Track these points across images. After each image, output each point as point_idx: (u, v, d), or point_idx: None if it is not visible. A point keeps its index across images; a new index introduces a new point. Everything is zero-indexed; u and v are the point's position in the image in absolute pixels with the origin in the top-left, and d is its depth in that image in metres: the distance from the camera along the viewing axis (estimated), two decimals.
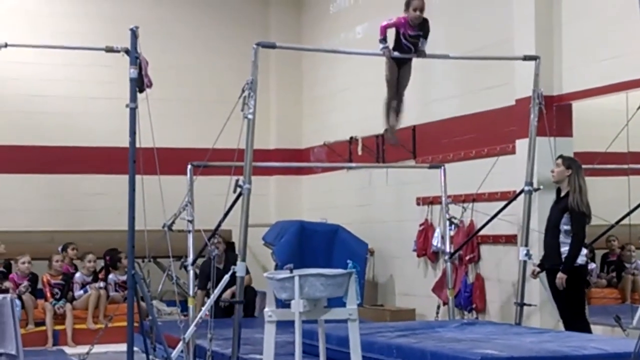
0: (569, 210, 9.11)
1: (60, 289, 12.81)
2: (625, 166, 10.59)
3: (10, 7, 14.73)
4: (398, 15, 9.28)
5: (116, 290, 13.16)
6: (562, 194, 9.32)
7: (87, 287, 12.93)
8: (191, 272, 10.24)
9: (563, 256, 9.13)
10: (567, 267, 9.06)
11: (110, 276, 13.27)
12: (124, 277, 12.58)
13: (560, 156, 9.54)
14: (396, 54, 9.30)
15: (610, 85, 9.69)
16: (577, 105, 10.48)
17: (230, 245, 13.38)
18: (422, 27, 9.27)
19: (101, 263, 13.52)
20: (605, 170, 10.59)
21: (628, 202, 10.14)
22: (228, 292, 11.21)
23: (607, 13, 9.76)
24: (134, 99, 8.49)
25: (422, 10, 9.18)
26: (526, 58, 10.07)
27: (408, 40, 9.25)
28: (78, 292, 12.88)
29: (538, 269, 9.64)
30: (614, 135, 9.27)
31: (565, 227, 9.16)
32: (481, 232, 11.02)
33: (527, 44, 10.39)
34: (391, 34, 9.36)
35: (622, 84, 9.47)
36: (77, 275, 13.04)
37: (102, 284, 13.01)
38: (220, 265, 11.75)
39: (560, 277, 9.05)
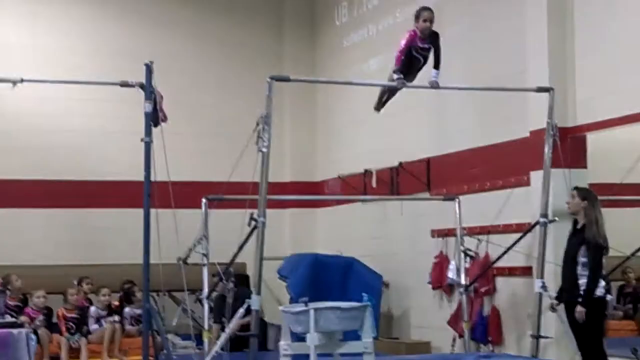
0: (586, 242, 9.07)
1: (76, 323, 12.79)
2: None
3: (26, 43, 14.82)
4: (407, 30, 9.37)
5: (131, 324, 13.13)
6: (579, 226, 9.28)
7: (102, 321, 12.90)
8: (206, 306, 10.24)
9: (581, 288, 9.08)
10: (586, 300, 9.01)
11: (126, 310, 13.24)
12: (139, 311, 12.56)
13: (576, 187, 9.51)
14: (409, 83, 9.37)
15: (625, 116, 9.67)
16: (591, 137, 10.46)
17: (244, 279, 13.36)
18: (432, 40, 9.40)
19: (116, 297, 13.50)
20: (620, 201, 10.57)
21: None
22: (236, 324, 11.13)
23: (620, 45, 9.76)
24: (148, 133, 8.54)
25: (432, 21, 9.43)
26: (540, 90, 10.08)
27: (419, 53, 9.43)
28: (93, 326, 12.85)
29: (556, 302, 9.57)
30: (629, 166, 9.25)
31: (582, 259, 9.11)
32: (496, 264, 10.98)
33: (541, 76, 10.40)
34: None
35: (636, 115, 9.45)
36: (92, 309, 13.02)
37: (117, 318, 12.98)
38: (230, 299, 11.73)
39: (580, 310, 8.99)
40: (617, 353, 9.74)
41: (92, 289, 13.46)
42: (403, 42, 9.44)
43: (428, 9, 9.51)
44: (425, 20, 9.38)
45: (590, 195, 9.33)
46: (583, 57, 10.29)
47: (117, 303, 13.32)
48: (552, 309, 9.66)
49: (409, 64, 9.49)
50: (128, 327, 13.09)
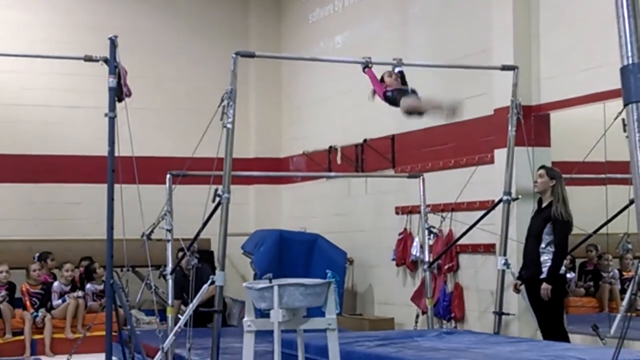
0: (553, 220, 9.13)
1: (39, 299, 12.76)
2: (603, 176, 10.64)
3: None
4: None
5: (94, 300, 13.11)
6: (544, 204, 9.35)
7: (66, 296, 12.86)
8: (170, 282, 10.22)
9: (543, 265, 9.16)
10: (551, 277, 9.08)
11: (88, 286, 13.23)
12: (102, 287, 12.54)
13: (543, 166, 9.57)
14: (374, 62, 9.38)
15: (588, 95, 9.74)
16: (555, 115, 10.53)
17: (208, 255, 13.35)
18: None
19: (78, 272, 13.46)
20: (583, 179, 10.63)
21: (606, 211, 10.18)
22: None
23: (585, 23, 9.81)
24: (112, 108, 8.48)
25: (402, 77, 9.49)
26: (504, 68, 10.11)
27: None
28: (56, 302, 12.81)
29: (519, 282, 9.63)
30: (592, 145, 9.30)
31: (547, 237, 9.18)
32: (460, 242, 11.04)
33: (506, 54, 10.44)
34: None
35: (599, 94, 9.51)
36: (56, 284, 12.98)
37: (80, 293, 12.95)
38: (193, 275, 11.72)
39: (545, 287, 9.06)
40: (578, 330, 9.84)
41: (56, 264, 13.41)
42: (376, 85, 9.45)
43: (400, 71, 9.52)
44: (396, 79, 9.46)
45: (557, 174, 9.39)
46: (547, 36, 10.34)
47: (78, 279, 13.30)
48: (516, 290, 9.72)
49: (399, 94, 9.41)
50: (90, 302, 13.07)
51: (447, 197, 11.37)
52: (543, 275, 9.14)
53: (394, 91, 9.36)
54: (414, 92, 9.35)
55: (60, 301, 12.82)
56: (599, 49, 9.47)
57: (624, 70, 3.10)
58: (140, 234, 9.83)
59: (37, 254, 13.39)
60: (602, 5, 8.71)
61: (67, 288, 13.00)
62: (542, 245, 9.21)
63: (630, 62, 3.07)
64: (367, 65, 9.39)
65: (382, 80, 9.48)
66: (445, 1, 11.95)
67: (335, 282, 7.54)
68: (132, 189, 8.46)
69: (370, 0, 13.61)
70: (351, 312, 13.35)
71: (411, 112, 9.37)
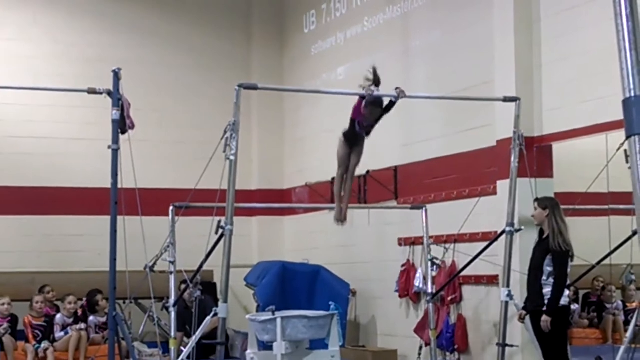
0: (551, 251, 9.12)
1: (42, 331, 12.73)
2: (606, 207, 10.65)
3: None
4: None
5: (97, 332, 13.08)
6: (544, 236, 9.34)
7: (68, 328, 12.84)
8: (173, 314, 10.20)
9: (545, 297, 9.14)
10: (551, 309, 9.06)
11: (91, 318, 13.20)
12: (105, 319, 12.52)
13: (536, 199, 9.57)
14: (376, 93, 9.16)
15: (590, 126, 9.75)
16: (557, 147, 10.54)
17: (210, 287, 13.33)
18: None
19: (81, 304, 13.43)
20: (586, 210, 10.63)
21: (609, 242, 10.17)
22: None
23: (587, 55, 9.84)
24: (116, 140, 8.52)
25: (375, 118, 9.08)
26: (507, 99, 10.13)
27: (362, 128, 9.14)
28: (59, 334, 12.79)
29: (524, 312, 9.60)
30: (595, 176, 9.32)
31: (548, 268, 9.16)
32: (463, 273, 11.02)
33: (508, 86, 10.47)
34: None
35: (602, 125, 9.53)
36: (58, 316, 12.96)
37: (82, 326, 12.92)
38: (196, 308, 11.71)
39: (545, 319, 9.03)
40: None
41: (56, 296, 13.39)
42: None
43: (379, 107, 9.04)
44: (370, 114, 9.00)
45: (551, 204, 9.36)
46: (549, 68, 10.37)
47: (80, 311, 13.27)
48: (521, 319, 9.68)
49: (353, 136, 9.25)
50: (93, 334, 13.04)
51: (450, 229, 11.36)
52: (545, 307, 9.13)
53: (351, 131, 9.20)
54: (365, 135, 9.19)
55: (62, 333, 12.79)
56: (600, 81, 9.50)
57: (626, 103, 3.11)
58: (143, 266, 9.84)
59: (39, 287, 13.38)
60: (604, 37, 8.77)
61: (70, 320, 12.97)
62: (544, 277, 9.19)
63: (633, 94, 3.08)
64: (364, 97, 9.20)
65: (366, 99, 9.04)
66: (448, 33, 12.00)
67: (338, 314, 7.54)
68: (135, 221, 8.47)
69: (372, 33, 13.66)
70: (354, 343, 13.31)
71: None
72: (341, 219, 9.67)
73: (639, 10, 3.14)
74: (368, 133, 9.20)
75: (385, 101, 9.03)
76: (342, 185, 9.47)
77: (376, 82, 8.99)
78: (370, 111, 8.95)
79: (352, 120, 9.15)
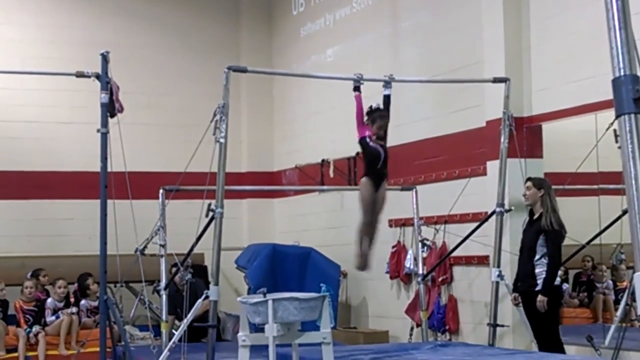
0: (544, 231, 9.14)
1: (33, 315, 12.72)
2: (596, 186, 10.66)
3: None
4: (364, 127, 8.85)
5: (88, 316, 13.07)
6: (536, 216, 9.36)
7: (59, 312, 12.83)
8: (164, 297, 10.21)
9: (538, 277, 9.16)
10: (546, 288, 9.08)
11: (82, 302, 13.18)
12: (96, 303, 12.52)
13: (529, 178, 9.59)
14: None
15: (580, 106, 9.76)
16: (547, 127, 10.55)
17: (201, 269, 13.33)
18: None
19: (72, 288, 13.43)
20: (575, 190, 10.65)
21: (599, 221, 10.19)
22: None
23: (576, 35, 9.84)
24: (105, 124, 8.50)
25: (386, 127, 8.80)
26: (496, 80, 10.14)
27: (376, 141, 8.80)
28: (50, 318, 12.78)
29: (517, 295, 9.62)
30: (584, 155, 9.33)
31: (541, 248, 9.19)
32: (453, 254, 11.05)
33: (497, 67, 10.47)
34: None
35: (591, 105, 9.54)
36: (49, 301, 12.94)
37: (74, 310, 12.92)
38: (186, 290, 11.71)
39: (542, 299, 9.05)
40: (573, 340, 9.84)
41: (49, 280, 13.38)
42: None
43: (385, 116, 8.86)
44: (379, 128, 8.73)
45: (544, 184, 9.42)
46: (538, 48, 10.37)
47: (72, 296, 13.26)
48: (515, 303, 9.69)
49: (374, 166, 8.80)
50: (84, 318, 13.04)
51: (440, 209, 11.37)
52: (538, 287, 9.15)
53: (369, 153, 8.83)
54: (385, 162, 8.79)
55: (53, 318, 12.78)
56: (590, 61, 9.50)
57: (615, 82, 3.11)
58: (134, 249, 9.83)
59: (31, 271, 13.36)
60: (593, 16, 8.77)
61: (61, 304, 12.95)
62: (536, 257, 9.21)
63: (622, 73, 3.08)
64: (358, 87, 9.16)
65: (369, 115, 8.80)
66: (436, 14, 11.98)
67: (329, 296, 7.54)
68: (125, 205, 8.46)
69: (362, 14, 13.63)
70: (346, 325, 13.34)
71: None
72: (363, 267, 9.16)
73: None
74: (383, 146, 8.83)
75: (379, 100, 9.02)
76: (367, 233, 8.87)
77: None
78: (379, 125, 8.75)
79: (362, 140, 8.82)
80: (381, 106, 8.94)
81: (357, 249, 8.96)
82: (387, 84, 9.30)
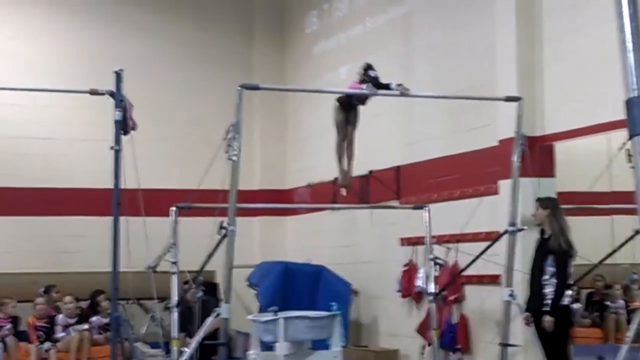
0: (553, 252, 9.12)
1: (45, 332, 12.73)
2: (609, 206, 10.64)
3: None
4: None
5: (100, 333, 13.07)
6: (546, 236, 9.34)
7: (70, 329, 12.83)
8: (175, 314, 10.18)
9: (546, 297, 9.13)
10: (553, 309, 9.05)
11: (93, 318, 13.18)
12: (107, 320, 12.51)
13: (538, 199, 9.56)
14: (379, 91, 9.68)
15: (592, 126, 9.74)
16: (559, 146, 10.53)
17: (212, 287, 13.32)
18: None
19: (83, 304, 13.43)
20: (588, 209, 10.63)
21: (611, 241, 10.17)
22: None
23: (588, 55, 9.83)
24: (118, 141, 8.52)
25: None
26: (508, 99, 10.11)
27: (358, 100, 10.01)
28: (60, 334, 12.79)
29: (529, 315, 9.58)
30: (597, 175, 9.31)
31: (550, 268, 9.16)
32: (465, 273, 11.01)
33: (510, 85, 10.46)
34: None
35: (603, 124, 9.51)
36: (60, 317, 12.95)
37: (85, 326, 12.91)
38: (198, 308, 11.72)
39: (548, 320, 9.03)
40: None
41: (61, 297, 13.40)
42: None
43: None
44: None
45: (551, 204, 9.38)
46: (551, 67, 10.36)
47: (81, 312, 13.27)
48: (527, 323, 9.65)
49: (349, 103, 10.08)
50: (96, 335, 13.03)
51: (452, 228, 11.35)
52: (546, 308, 9.12)
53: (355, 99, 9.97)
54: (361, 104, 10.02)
55: (64, 334, 12.79)
56: (602, 80, 9.48)
57: (628, 103, 3.10)
58: (146, 266, 9.83)
59: (43, 288, 13.38)
60: (606, 36, 8.74)
61: (73, 321, 12.96)
62: (546, 277, 9.18)
63: (636, 94, 3.08)
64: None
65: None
66: (449, 33, 11.99)
67: (340, 314, 7.54)
68: (138, 222, 8.47)
69: (374, 33, 13.66)
70: (356, 343, 13.31)
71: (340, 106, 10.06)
72: (346, 183, 10.30)
73: None
74: (364, 103, 10.02)
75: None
76: (344, 151, 10.04)
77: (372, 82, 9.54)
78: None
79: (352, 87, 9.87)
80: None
81: (339, 167, 10.40)
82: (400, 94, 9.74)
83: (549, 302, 9.11)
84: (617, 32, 3.16)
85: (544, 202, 9.42)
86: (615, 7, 3.16)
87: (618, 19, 3.15)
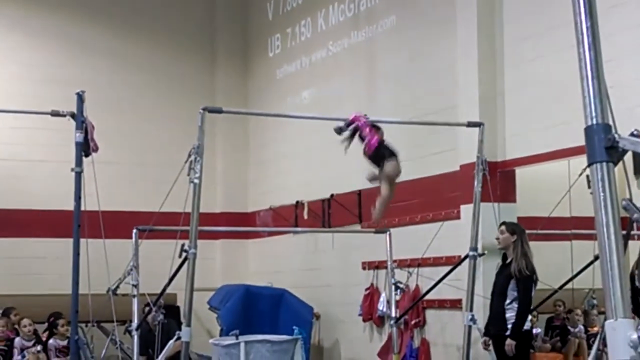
0: (515, 276, 9.17)
1: (3, 355, 12.60)
2: (568, 231, 10.71)
3: None
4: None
5: (57, 356, 12.94)
6: (508, 260, 9.39)
7: (25, 352, 12.70)
8: (135, 337, 10.14)
9: (508, 322, 9.17)
10: (515, 333, 9.10)
11: (51, 341, 13.05)
12: (65, 342, 12.41)
13: (504, 223, 9.63)
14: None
15: (553, 152, 9.83)
16: (520, 171, 10.61)
17: (174, 310, 13.26)
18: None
19: (41, 327, 13.31)
20: (548, 235, 10.70)
21: (571, 266, 10.24)
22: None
23: (549, 82, 9.92)
24: (79, 163, 8.48)
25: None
26: (470, 124, 10.17)
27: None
28: (16, 357, 12.65)
29: (488, 339, 9.62)
30: (557, 200, 9.38)
31: (512, 292, 9.22)
32: (426, 297, 11.04)
33: (471, 111, 10.53)
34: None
35: (564, 150, 9.60)
36: (17, 340, 12.82)
37: (39, 348, 12.77)
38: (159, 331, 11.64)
39: (509, 343, 9.08)
40: None
41: (19, 319, 13.27)
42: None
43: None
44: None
45: (518, 229, 9.46)
46: (512, 94, 10.45)
47: (44, 335, 13.14)
48: (486, 347, 9.69)
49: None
50: (54, 358, 12.90)
51: (413, 253, 11.37)
52: (508, 332, 9.16)
53: (385, 148, 9.43)
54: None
55: (19, 357, 12.65)
56: (563, 107, 9.58)
57: (588, 131, 3.14)
58: (106, 289, 9.78)
59: (1, 310, 13.24)
60: (566, 64, 8.84)
61: (30, 343, 12.82)
62: (507, 301, 9.23)
63: (594, 122, 3.11)
64: (340, 128, 9.46)
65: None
66: (412, 58, 12.06)
67: (301, 338, 7.53)
68: (98, 244, 8.42)
69: (337, 57, 13.71)
70: None
71: (375, 179, 9.47)
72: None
73: (600, 40, 3.18)
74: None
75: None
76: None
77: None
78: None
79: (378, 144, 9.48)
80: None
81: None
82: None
83: (511, 326, 9.16)
84: (577, 60, 3.19)
85: (510, 227, 9.48)
86: (575, 35, 3.20)
87: (578, 47, 3.18)
